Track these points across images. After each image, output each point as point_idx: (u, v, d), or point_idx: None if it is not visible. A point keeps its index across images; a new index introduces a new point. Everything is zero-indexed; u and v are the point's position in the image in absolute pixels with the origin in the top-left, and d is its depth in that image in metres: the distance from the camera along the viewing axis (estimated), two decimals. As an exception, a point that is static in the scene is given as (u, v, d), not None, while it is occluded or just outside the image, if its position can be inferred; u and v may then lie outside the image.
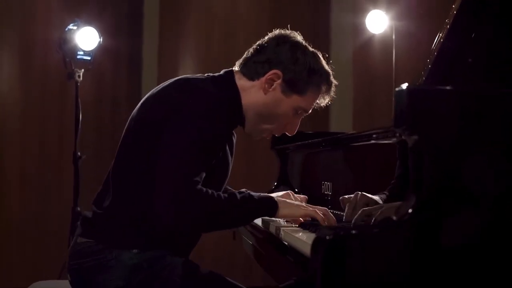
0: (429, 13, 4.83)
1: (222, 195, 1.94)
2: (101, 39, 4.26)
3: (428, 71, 2.02)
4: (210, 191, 1.91)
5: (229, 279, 2.11)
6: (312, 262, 1.45)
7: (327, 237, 1.38)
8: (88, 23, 4.22)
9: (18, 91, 4.98)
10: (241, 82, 2.16)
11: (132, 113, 2.14)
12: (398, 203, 1.57)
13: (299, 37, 2.20)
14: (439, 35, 2.08)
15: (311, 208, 2.02)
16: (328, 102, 2.19)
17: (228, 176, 2.19)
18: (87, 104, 4.23)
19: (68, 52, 4.09)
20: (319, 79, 2.13)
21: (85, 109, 4.17)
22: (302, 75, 2.10)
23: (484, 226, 1.46)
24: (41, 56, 5.01)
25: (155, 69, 5.33)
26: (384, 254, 1.41)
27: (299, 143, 2.76)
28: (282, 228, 1.97)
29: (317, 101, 2.17)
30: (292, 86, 2.11)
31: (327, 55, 2.23)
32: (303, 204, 2.08)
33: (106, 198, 2.10)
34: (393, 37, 4.55)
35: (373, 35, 5.06)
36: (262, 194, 2.04)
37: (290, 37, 2.18)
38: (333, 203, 2.33)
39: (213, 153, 2.02)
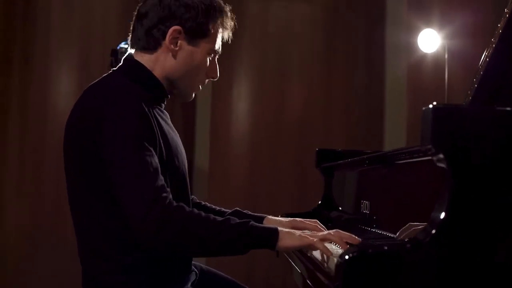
0: (483, 32, 4.76)
1: (211, 216, 1.83)
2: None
3: (475, 90, 2.00)
4: (196, 210, 1.84)
5: None
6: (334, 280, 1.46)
7: (346, 257, 1.39)
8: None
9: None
10: (145, 58, 2.02)
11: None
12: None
13: None
14: (485, 54, 2.06)
15: (316, 238, 1.82)
16: (230, 32, 2.10)
17: (184, 155, 2.07)
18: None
19: (119, 70, 4.15)
20: (214, 14, 2.02)
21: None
22: (200, 18, 2.00)
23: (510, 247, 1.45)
24: (97, 73, 5.09)
25: (209, 86, 5.37)
26: (404, 275, 1.40)
27: (341, 161, 2.76)
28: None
29: (223, 35, 2.08)
30: (195, 34, 2.00)
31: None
32: (308, 233, 1.88)
33: (88, 241, 1.98)
34: (446, 56, 4.51)
35: (425, 54, 5.01)
36: (267, 225, 1.90)
37: None
38: (371, 222, 2.31)
39: (153, 145, 1.87)
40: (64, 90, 5.13)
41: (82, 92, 2.03)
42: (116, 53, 4.06)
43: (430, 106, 1.45)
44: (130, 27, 2.08)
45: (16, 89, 5.13)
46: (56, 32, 5.17)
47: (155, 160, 1.84)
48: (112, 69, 2.08)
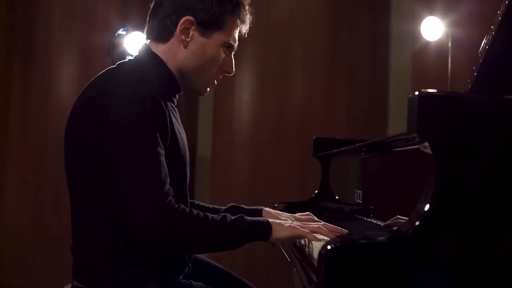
0: (486, 20, 4.69)
1: (209, 216, 1.80)
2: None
3: (474, 79, 1.97)
4: (195, 211, 1.80)
5: None
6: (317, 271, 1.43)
7: (328, 247, 1.36)
8: (138, 27, 4.21)
9: (76, 95, 5.05)
10: (159, 49, 1.99)
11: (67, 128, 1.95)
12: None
13: None
14: (484, 41, 2.03)
15: (306, 229, 1.82)
16: (247, 26, 2.06)
17: (187, 150, 2.02)
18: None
19: (116, 57, 4.11)
20: (230, 6, 1.99)
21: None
22: (213, 9, 1.96)
23: (495, 237, 1.41)
24: (98, 61, 5.09)
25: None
26: (386, 266, 1.37)
27: (336, 150, 2.73)
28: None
29: (240, 29, 2.05)
30: (208, 25, 1.97)
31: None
32: (299, 224, 1.88)
33: (84, 228, 1.97)
34: (449, 44, 4.45)
35: (428, 42, 4.95)
36: (257, 218, 1.89)
37: None
38: (366, 211, 2.28)
39: (165, 140, 1.83)
40: (65, 81, 5.11)
41: (83, 81, 1.98)
42: (114, 40, 4.04)
43: (416, 93, 1.42)
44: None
45: (17, 81, 5.13)
46: (58, 21, 5.15)
47: (164, 159, 1.80)
48: (127, 58, 2.05)
